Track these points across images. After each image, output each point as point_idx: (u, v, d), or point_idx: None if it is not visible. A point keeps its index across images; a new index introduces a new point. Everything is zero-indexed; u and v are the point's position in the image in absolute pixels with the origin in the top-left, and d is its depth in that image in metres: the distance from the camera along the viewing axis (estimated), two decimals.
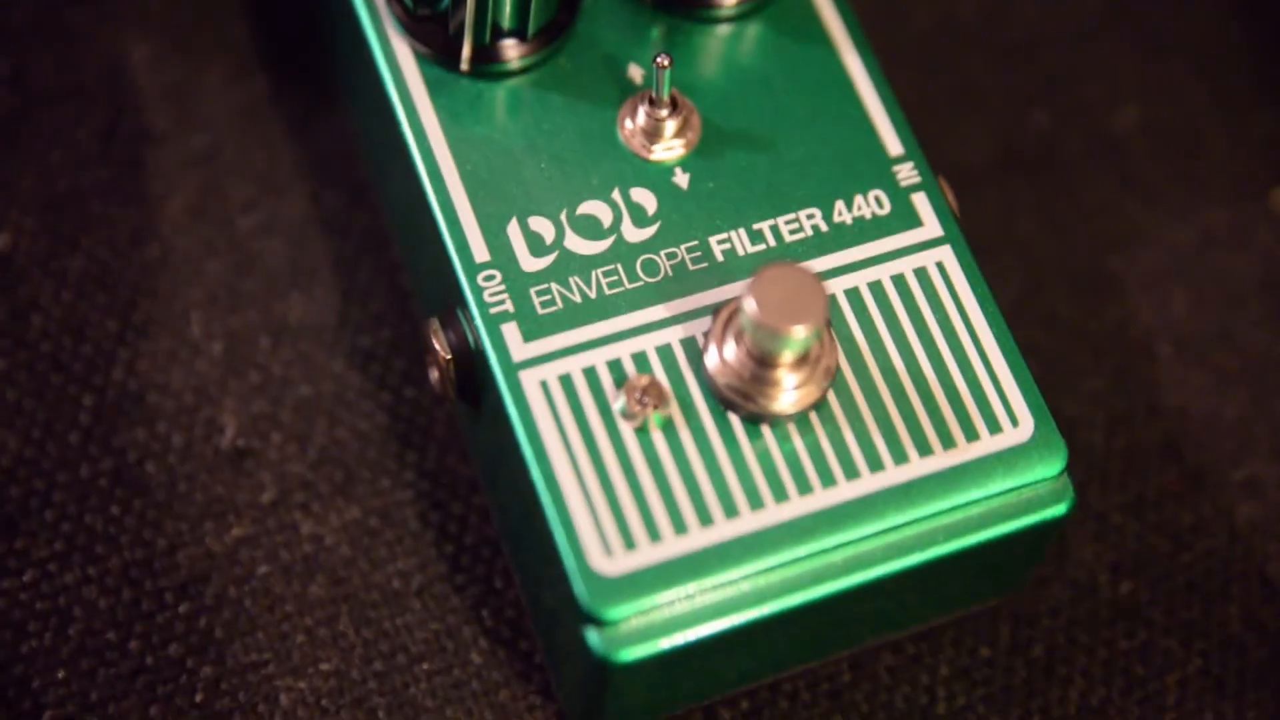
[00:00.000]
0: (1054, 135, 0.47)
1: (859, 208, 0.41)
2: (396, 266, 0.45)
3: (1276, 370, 0.45)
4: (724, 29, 0.42)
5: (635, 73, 0.42)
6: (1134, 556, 0.43)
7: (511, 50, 0.41)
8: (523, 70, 0.41)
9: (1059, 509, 0.39)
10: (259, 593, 0.41)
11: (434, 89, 0.41)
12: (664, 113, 0.41)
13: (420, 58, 0.41)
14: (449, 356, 0.40)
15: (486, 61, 0.41)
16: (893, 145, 0.41)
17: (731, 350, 0.39)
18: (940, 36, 0.48)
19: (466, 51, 0.41)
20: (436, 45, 0.41)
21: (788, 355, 0.38)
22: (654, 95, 0.40)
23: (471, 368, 0.40)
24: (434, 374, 0.41)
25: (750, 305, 0.37)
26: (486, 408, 0.40)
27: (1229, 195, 0.47)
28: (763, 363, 0.38)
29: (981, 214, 0.46)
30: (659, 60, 0.40)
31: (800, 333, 0.37)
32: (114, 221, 0.44)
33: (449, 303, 0.40)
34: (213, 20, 0.47)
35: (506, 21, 0.40)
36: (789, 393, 0.38)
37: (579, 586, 0.37)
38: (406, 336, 0.44)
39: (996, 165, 0.47)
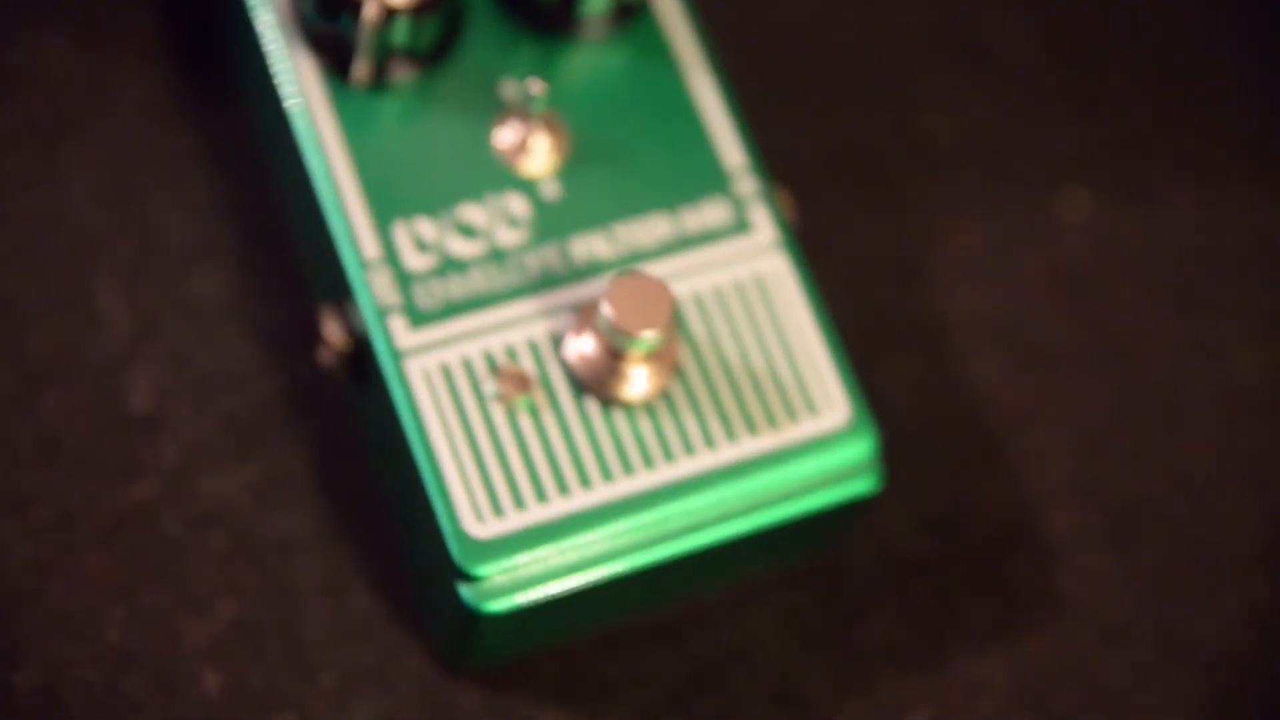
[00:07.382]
0: (875, 139, 0.54)
1: (704, 215, 0.46)
2: (293, 248, 0.50)
3: (1061, 357, 0.52)
4: (591, 49, 0.47)
5: (511, 90, 0.47)
6: (937, 517, 0.50)
7: (403, 68, 0.46)
8: (413, 85, 0.46)
9: (869, 485, 0.45)
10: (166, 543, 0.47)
11: (329, 100, 0.46)
12: (535, 131, 0.46)
13: (318, 70, 0.46)
14: (340, 342, 0.45)
15: (380, 78, 0.46)
16: (734, 156, 0.47)
17: (589, 345, 0.44)
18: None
19: (361, 69, 0.46)
20: (334, 61, 0.46)
21: (637, 352, 0.44)
22: (527, 115, 0.46)
23: (360, 353, 0.45)
24: (325, 355, 0.46)
25: (606, 309, 0.43)
26: (373, 388, 0.45)
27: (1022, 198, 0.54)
28: (616, 357, 0.44)
29: (817, 211, 0.52)
30: (532, 86, 0.45)
31: (649, 335, 0.43)
32: (31, 207, 0.49)
33: (339, 293, 0.45)
34: (122, 10, 0.51)
35: (400, 43, 0.45)
36: (638, 383, 0.44)
37: (453, 547, 0.43)
38: (303, 316, 0.49)
39: (828, 165, 0.53)
